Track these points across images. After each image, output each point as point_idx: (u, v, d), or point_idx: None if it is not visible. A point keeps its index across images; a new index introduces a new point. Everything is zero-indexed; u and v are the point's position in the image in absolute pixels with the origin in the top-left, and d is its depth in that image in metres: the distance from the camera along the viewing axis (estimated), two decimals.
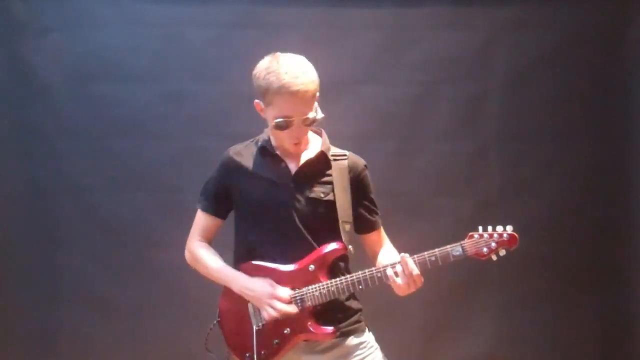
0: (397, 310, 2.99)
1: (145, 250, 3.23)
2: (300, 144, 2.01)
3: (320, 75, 1.99)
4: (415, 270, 1.89)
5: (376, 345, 2.11)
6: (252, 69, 3.17)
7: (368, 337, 2.10)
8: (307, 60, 1.97)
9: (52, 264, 3.24)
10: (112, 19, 3.22)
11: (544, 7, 3.22)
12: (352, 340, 2.05)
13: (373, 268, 1.96)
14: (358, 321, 2.09)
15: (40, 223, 3.24)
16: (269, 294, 1.96)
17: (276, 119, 1.93)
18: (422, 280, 1.91)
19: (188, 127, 3.24)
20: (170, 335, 3.21)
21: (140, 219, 3.24)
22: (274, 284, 1.98)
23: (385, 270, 1.93)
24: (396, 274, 1.91)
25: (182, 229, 3.17)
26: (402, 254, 1.93)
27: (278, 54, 1.97)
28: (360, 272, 1.96)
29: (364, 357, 2.05)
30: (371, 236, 2.16)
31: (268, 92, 1.91)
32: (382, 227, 2.18)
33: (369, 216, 2.13)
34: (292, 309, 1.96)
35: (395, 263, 1.92)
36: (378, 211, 2.16)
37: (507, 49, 3.23)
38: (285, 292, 1.97)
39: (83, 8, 3.21)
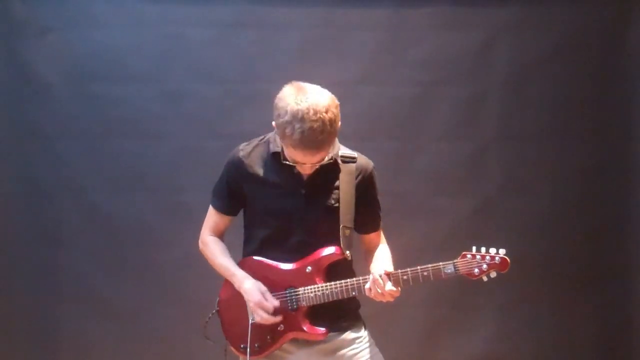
0: (397, 310, 2.97)
1: (145, 250, 3.23)
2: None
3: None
4: (388, 287, 1.91)
5: (372, 341, 2.12)
6: (252, 69, 3.20)
7: (364, 333, 2.12)
8: (335, 102, 1.88)
9: (52, 264, 3.24)
10: (112, 19, 3.21)
11: (544, 7, 3.22)
12: (348, 335, 2.07)
13: (360, 277, 1.99)
14: (356, 317, 2.12)
15: (40, 223, 3.24)
16: (257, 301, 2.00)
17: (288, 158, 1.94)
18: (399, 291, 1.94)
19: (188, 127, 3.23)
20: (170, 335, 3.21)
21: (140, 219, 3.24)
22: (266, 291, 2.02)
23: (364, 283, 1.96)
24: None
25: (182, 229, 3.19)
26: (373, 274, 1.95)
27: (306, 91, 1.86)
28: (354, 279, 1.99)
29: (359, 352, 2.06)
30: (370, 236, 2.18)
31: (285, 137, 1.86)
32: (381, 228, 2.20)
33: (371, 217, 2.14)
34: (275, 319, 2.00)
35: (368, 278, 1.96)
36: (380, 213, 2.18)
37: (507, 49, 3.23)
38: (271, 302, 2.00)
39: (83, 8, 3.21)
